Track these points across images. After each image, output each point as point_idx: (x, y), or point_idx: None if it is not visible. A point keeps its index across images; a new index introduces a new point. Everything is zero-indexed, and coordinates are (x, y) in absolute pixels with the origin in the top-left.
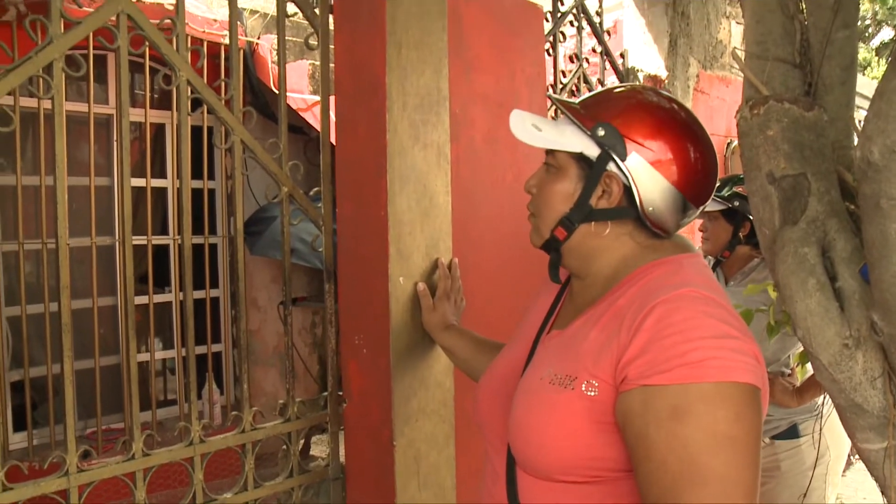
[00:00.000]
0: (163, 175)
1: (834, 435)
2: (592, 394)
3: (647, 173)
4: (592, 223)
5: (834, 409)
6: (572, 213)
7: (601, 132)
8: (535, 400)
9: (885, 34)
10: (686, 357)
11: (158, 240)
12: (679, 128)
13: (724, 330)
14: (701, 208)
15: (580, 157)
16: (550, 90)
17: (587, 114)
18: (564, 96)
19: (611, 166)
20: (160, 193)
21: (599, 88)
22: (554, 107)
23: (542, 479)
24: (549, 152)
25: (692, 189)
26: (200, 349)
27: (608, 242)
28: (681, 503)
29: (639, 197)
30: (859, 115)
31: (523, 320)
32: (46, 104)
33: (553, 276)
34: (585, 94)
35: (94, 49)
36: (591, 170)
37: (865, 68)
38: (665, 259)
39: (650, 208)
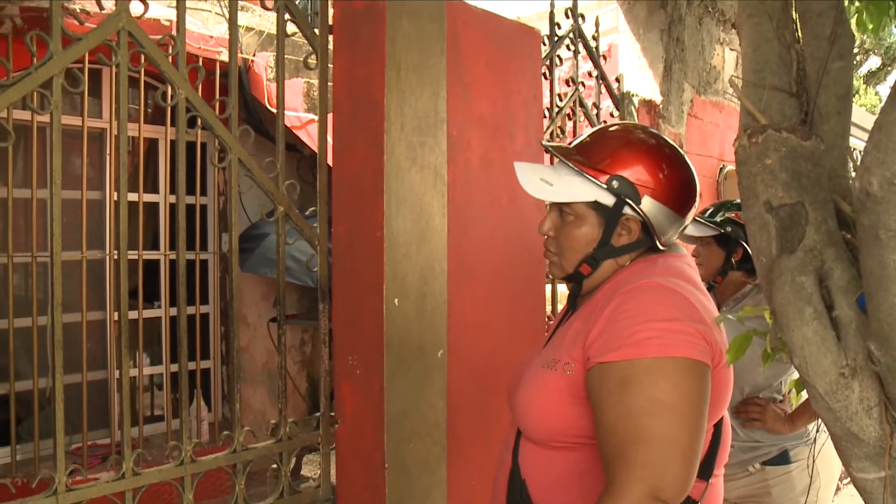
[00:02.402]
0: (154, 190)
1: (824, 461)
2: (570, 373)
3: (657, 209)
4: (615, 258)
5: (826, 437)
6: (597, 253)
7: (615, 184)
8: (531, 381)
9: (873, 62)
10: (632, 338)
11: (149, 255)
12: (672, 161)
13: (671, 314)
14: (689, 217)
15: (595, 205)
16: (546, 113)
17: (593, 163)
18: (559, 120)
19: (626, 210)
20: (151, 208)
21: (591, 130)
22: (548, 140)
23: (537, 444)
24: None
25: (686, 208)
26: (189, 365)
27: (611, 268)
28: (626, 459)
29: (654, 230)
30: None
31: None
32: (40, 117)
33: (572, 305)
34: (580, 138)
35: (90, 63)
36: (609, 215)
37: (854, 95)
38: (647, 258)
39: (664, 236)
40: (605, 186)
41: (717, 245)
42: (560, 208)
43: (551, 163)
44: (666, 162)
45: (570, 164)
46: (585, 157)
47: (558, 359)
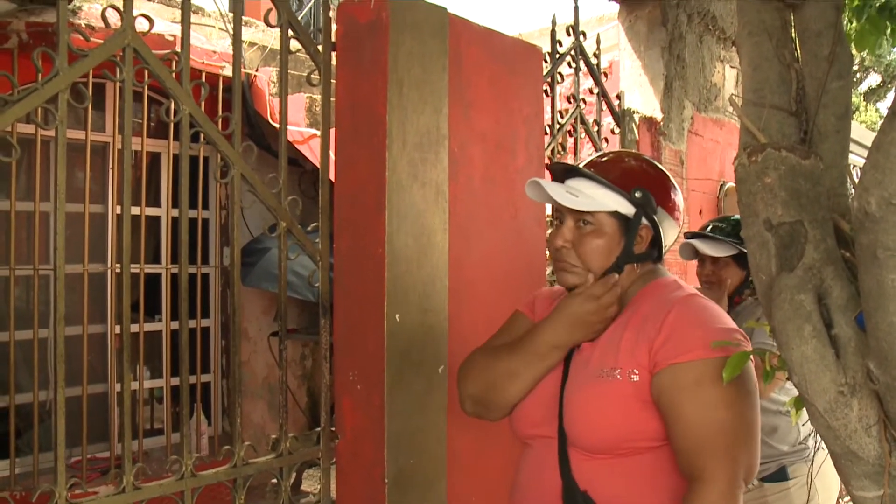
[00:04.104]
0: (157, 204)
1: (823, 478)
2: (635, 379)
3: (667, 220)
4: (630, 265)
5: (824, 454)
6: (620, 259)
7: (638, 195)
8: (591, 392)
9: (873, 80)
10: (699, 341)
11: (151, 268)
12: (670, 178)
13: (725, 321)
14: (678, 232)
15: (615, 214)
16: (547, 129)
17: (612, 178)
18: (560, 137)
19: (643, 220)
20: (153, 222)
21: (597, 154)
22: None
23: (598, 454)
24: (583, 212)
25: (679, 217)
26: (190, 379)
27: (627, 275)
28: (713, 448)
29: (663, 240)
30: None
31: None
32: (43, 130)
33: None
34: (591, 157)
35: (94, 77)
36: (630, 223)
37: (854, 113)
38: (662, 279)
39: (665, 249)
40: (628, 197)
41: (735, 265)
42: (577, 220)
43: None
44: (669, 179)
45: (598, 177)
46: (603, 173)
47: (618, 367)
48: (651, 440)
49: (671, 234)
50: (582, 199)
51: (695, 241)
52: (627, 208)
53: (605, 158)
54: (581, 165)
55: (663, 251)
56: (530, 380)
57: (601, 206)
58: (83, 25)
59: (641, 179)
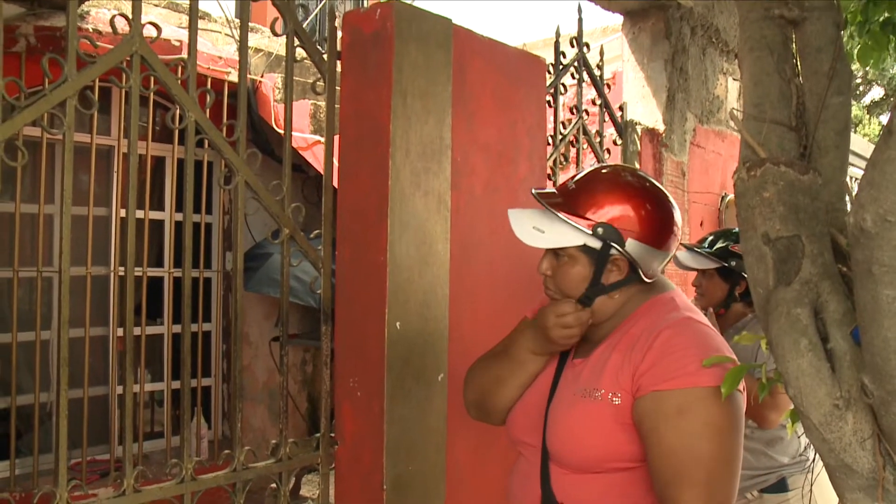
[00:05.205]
0: (160, 207)
1: (821, 490)
2: (617, 402)
3: (640, 248)
4: (607, 294)
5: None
6: (589, 292)
7: (601, 231)
8: (573, 410)
9: (876, 93)
10: (686, 368)
11: (153, 272)
12: (652, 201)
13: (714, 346)
14: (673, 249)
15: (584, 248)
16: (550, 140)
17: (580, 212)
18: (563, 148)
19: (613, 252)
20: (157, 226)
21: (578, 176)
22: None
23: (574, 471)
24: None
25: (667, 243)
26: (191, 383)
27: (616, 298)
28: (688, 478)
29: (640, 268)
30: (850, 172)
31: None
32: (49, 134)
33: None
34: (567, 183)
35: (100, 81)
36: (598, 257)
37: (857, 125)
38: (660, 297)
39: (649, 271)
40: (590, 233)
41: (719, 277)
42: (554, 251)
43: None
44: (647, 203)
45: (559, 214)
46: (572, 206)
47: (599, 388)
48: (629, 461)
49: (651, 260)
50: (548, 234)
51: (679, 254)
52: (594, 242)
53: (576, 186)
54: (555, 189)
55: (648, 272)
56: (516, 385)
57: (566, 243)
58: (91, 30)
59: (609, 210)
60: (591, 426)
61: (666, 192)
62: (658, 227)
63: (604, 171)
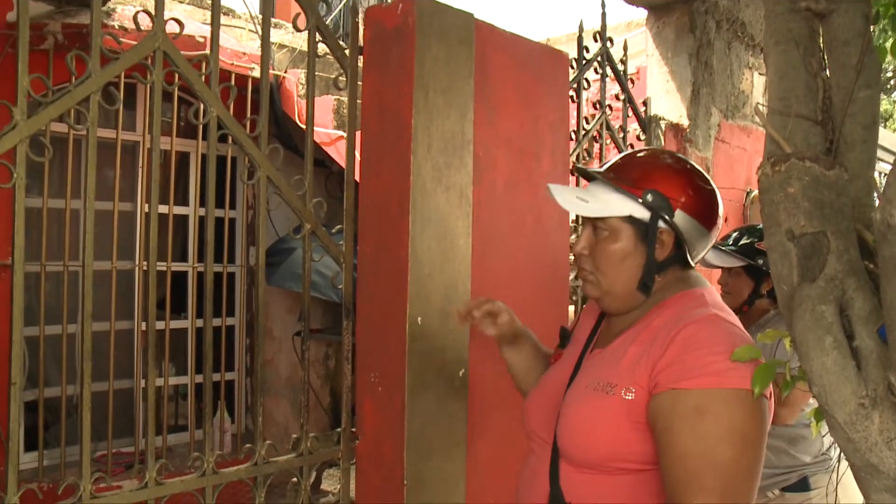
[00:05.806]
0: (184, 202)
1: (845, 490)
2: (630, 398)
3: (688, 222)
4: (662, 273)
5: (847, 465)
6: (646, 275)
7: (650, 198)
8: (584, 405)
9: None
10: (708, 368)
11: (177, 266)
12: (699, 178)
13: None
14: (714, 233)
15: (630, 219)
16: (573, 135)
17: (626, 180)
18: (586, 143)
19: (660, 224)
20: (181, 220)
21: (620, 154)
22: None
23: (583, 469)
24: (597, 218)
25: (713, 223)
26: (214, 377)
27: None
28: (701, 484)
29: (686, 244)
30: (879, 167)
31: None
32: (76, 130)
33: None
34: (610, 161)
35: (125, 77)
36: (647, 229)
37: (886, 120)
38: (690, 291)
39: (694, 251)
40: (640, 200)
41: (746, 275)
42: (594, 225)
43: (577, 185)
44: (694, 178)
45: (606, 181)
46: (618, 176)
47: (615, 383)
48: (640, 463)
49: (698, 239)
50: (592, 204)
51: None
52: (641, 212)
53: (626, 159)
54: (602, 168)
55: (690, 258)
56: (515, 368)
57: (610, 212)
58: (116, 27)
59: (658, 180)
60: (602, 422)
61: (703, 171)
62: (706, 204)
63: (645, 150)
